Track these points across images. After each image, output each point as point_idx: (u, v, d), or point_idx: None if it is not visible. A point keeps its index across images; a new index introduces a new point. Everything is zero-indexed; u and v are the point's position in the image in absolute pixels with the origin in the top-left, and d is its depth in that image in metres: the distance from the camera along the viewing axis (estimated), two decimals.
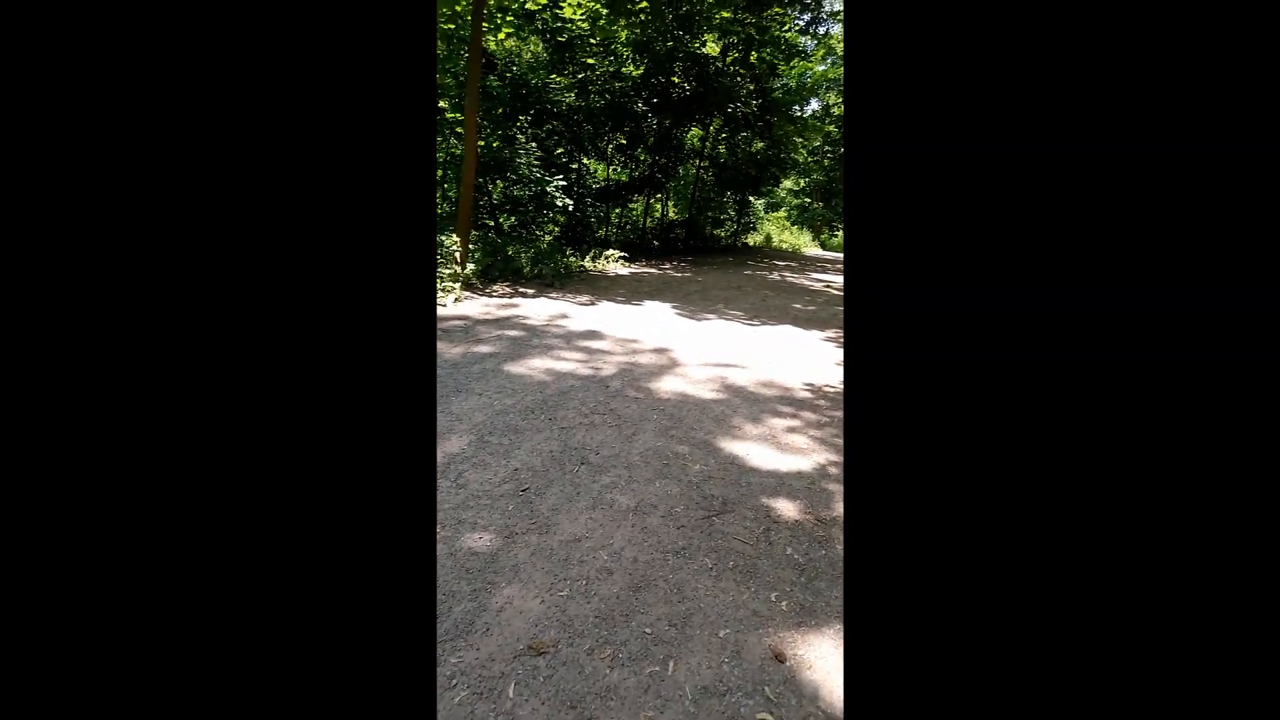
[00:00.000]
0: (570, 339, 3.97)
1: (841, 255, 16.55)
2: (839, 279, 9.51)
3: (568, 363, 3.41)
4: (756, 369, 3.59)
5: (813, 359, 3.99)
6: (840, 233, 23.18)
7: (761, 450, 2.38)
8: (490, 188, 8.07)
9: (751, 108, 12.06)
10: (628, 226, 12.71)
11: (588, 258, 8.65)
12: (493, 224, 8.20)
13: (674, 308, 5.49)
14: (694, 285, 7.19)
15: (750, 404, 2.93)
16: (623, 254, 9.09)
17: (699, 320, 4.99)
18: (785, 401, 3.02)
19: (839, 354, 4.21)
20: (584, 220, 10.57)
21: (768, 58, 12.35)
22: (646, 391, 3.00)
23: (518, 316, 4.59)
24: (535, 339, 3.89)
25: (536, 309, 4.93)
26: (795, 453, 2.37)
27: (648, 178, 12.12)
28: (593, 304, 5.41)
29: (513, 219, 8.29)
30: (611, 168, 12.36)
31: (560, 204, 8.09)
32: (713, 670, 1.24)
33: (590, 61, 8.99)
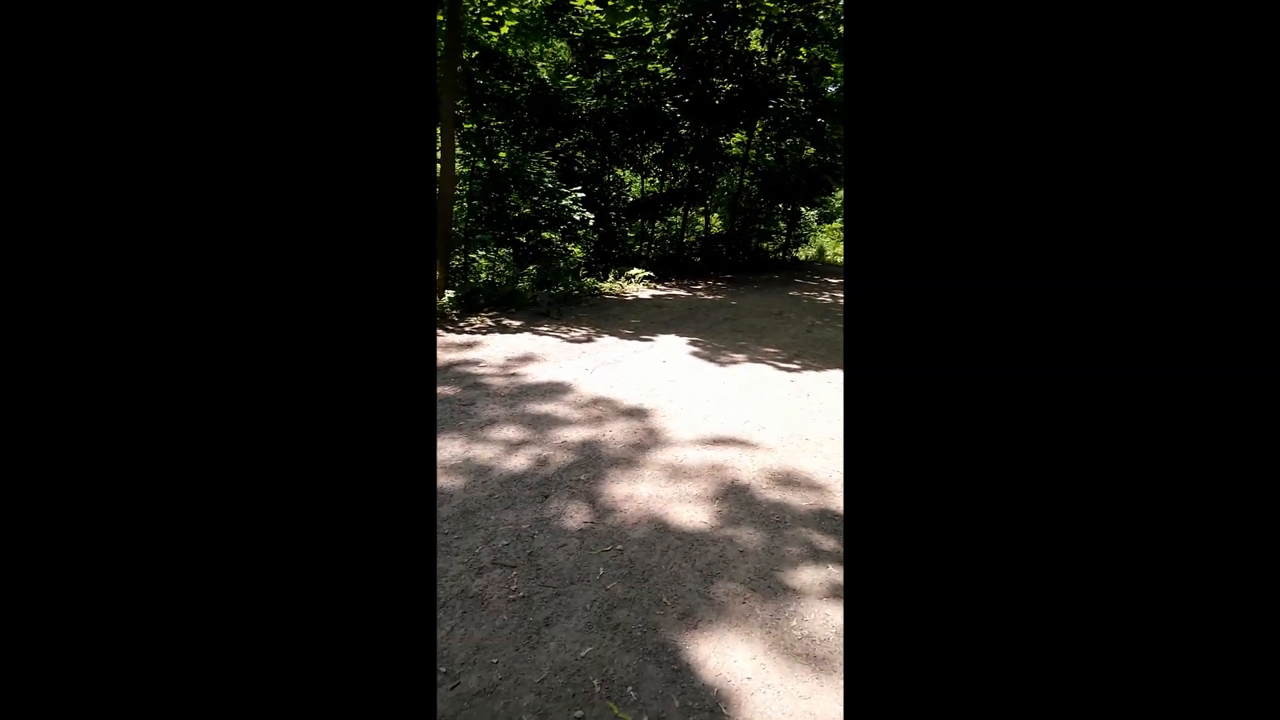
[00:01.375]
0: (520, 399, 2.96)
1: None
2: None
3: (494, 446, 2.38)
4: (780, 448, 2.47)
5: None
6: None
7: (778, 678, 1.26)
8: (515, 202, 7.30)
9: (801, 109, 10.85)
10: (667, 242, 11.75)
11: (610, 277, 7.71)
12: (524, 241, 7.41)
13: (692, 344, 4.42)
14: (725, 311, 6.08)
15: (764, 532, 1.82)
16: (648, 273, 8.08)
17: (720, 363, 3.89)
18: (822, 525, 1.89)
19: None
20: (613, 236, 9.66)
21: (818, 54, 11.15)
22: (602, 505, 1.95)
23: (467, 363, 3.63)
24: (468, 403, 2.88)
25: (502, 350, 3.98)
26: (837, 676, 1.26)
27: (686, 188, 11.13)
28: (587, 340, 4.42)
29: (538, 236, 7.47)
30: (649, 179, 11.48)
31: (579, 218, 7.18)
32: None
33: (609, 58, 8.07)
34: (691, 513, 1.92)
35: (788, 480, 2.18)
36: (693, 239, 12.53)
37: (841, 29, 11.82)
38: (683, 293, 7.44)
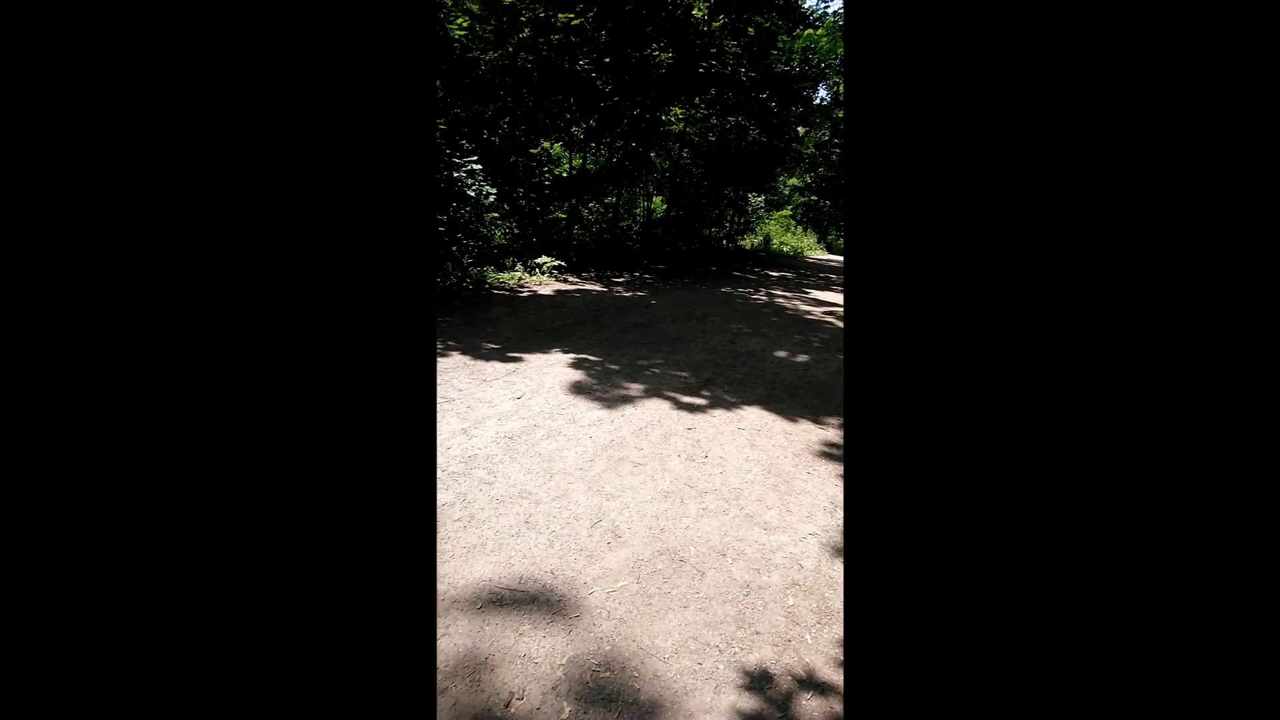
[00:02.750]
0: None
1: None
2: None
3: None
4: (626, 601, 1.47)
5: (798, 544, 1.87)
6: None
7: None
8: None
9: (742, 79, 9.86)
10: (603, 226, 10.61)
11: (517, 267, 6.56)
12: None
13: (577, 366, 3.38)
14: (639, 314, 5.08)
15: None
16: (559, 262, 6.96)
17: (602, 400, 2.88)
18: None
19: (839, 493, 2.10)
20: (533, 217, 8.45)
21: (764, 23, 10.17)
22: None
23: None
24: None
25: None
26: None
27: (618, 166, 10.00)
28: None
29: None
30: (581, 155, 10.30)
31: (475, 193, 5.95)
32: None
33: (508, 1, 6.77)
34: None
35: (611, 699, 1.19)
36: (629, 223, 11.46)
37: None
38: (597, 287, 6.38)
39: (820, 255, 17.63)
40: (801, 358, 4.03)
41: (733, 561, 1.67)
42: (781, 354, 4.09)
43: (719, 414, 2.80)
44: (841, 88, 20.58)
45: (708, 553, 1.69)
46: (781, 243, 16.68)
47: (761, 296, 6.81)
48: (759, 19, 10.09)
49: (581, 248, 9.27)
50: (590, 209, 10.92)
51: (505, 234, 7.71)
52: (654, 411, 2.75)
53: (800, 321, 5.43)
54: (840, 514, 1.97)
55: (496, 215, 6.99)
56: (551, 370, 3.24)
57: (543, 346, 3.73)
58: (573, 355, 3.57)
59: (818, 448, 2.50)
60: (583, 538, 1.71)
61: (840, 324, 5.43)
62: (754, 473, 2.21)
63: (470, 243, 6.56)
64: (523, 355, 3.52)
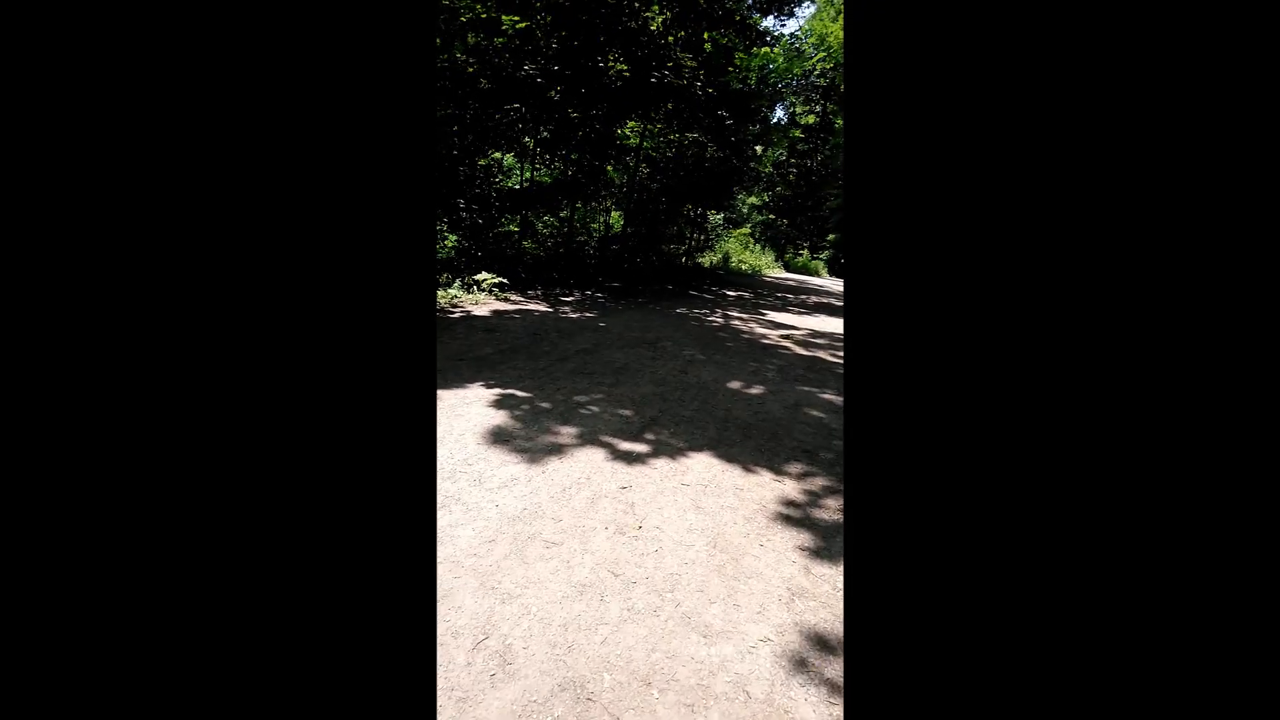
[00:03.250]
0: None
1: (806, 280, 14.10)
2: (804, 322, 7.11)
3: None
4: None
5: (745, 658, 1.46)
6: (805, 252, 21.10)
7: None
8: None
9: (699, 95, 9.68)
10: (557, 241, 10.17)
11: (453, 285, 6.05)
12: None
13: (499, 404, 2.92)
14: (585, 338, 4.66)
15: None
16: (500, 280, 6.48)
17: (522, 451, 2.43)
18: None
19: (809, 580, 1.72)
20: (475, 231, 7.94)
21: (721, 40, 10.05)
22: None
23: None
24: None
25: None
26: None
27: (572, 180, 9.63)
28: None
29: None
30: (543, 168, 9.89)
31: None
32: None
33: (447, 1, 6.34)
34: None
35: None
36: (584, 238, 11.07)
37: (747, 12, 10.84)
38: (542, 307, 5.93)
39: (778, 274, 17.67)
40: (756, 389, 3.68)
41: (660, 694, 1.25)
42: (736, 385, 3.74)
43: (661, 465, 2.39)
44: (798, 108, 20.88)
45: (628, 681, 1.27)
46: (740, 260, 16.61)
47: (717, 318, 6.51)
48: (716, 35, 9.96)
49: (535, 263, 8.81)
50: (545, 222, 10.50)
51: (449, 248, 7.19)
52: (584, 464, 2.32)
53: (756, 347, 5.12)
54: (800, 605, 1.59)
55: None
56: (466, 412, 2.77)
57: (461, 380, 3.25)
58: (497, 391, 3.11)
59: (774, 508, 2.12)
60: (458, 667, 1.26)
61: (797, 349, 5.14)
62: (697, 548, 1.81)
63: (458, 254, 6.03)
64: (440, 390, 3.03)
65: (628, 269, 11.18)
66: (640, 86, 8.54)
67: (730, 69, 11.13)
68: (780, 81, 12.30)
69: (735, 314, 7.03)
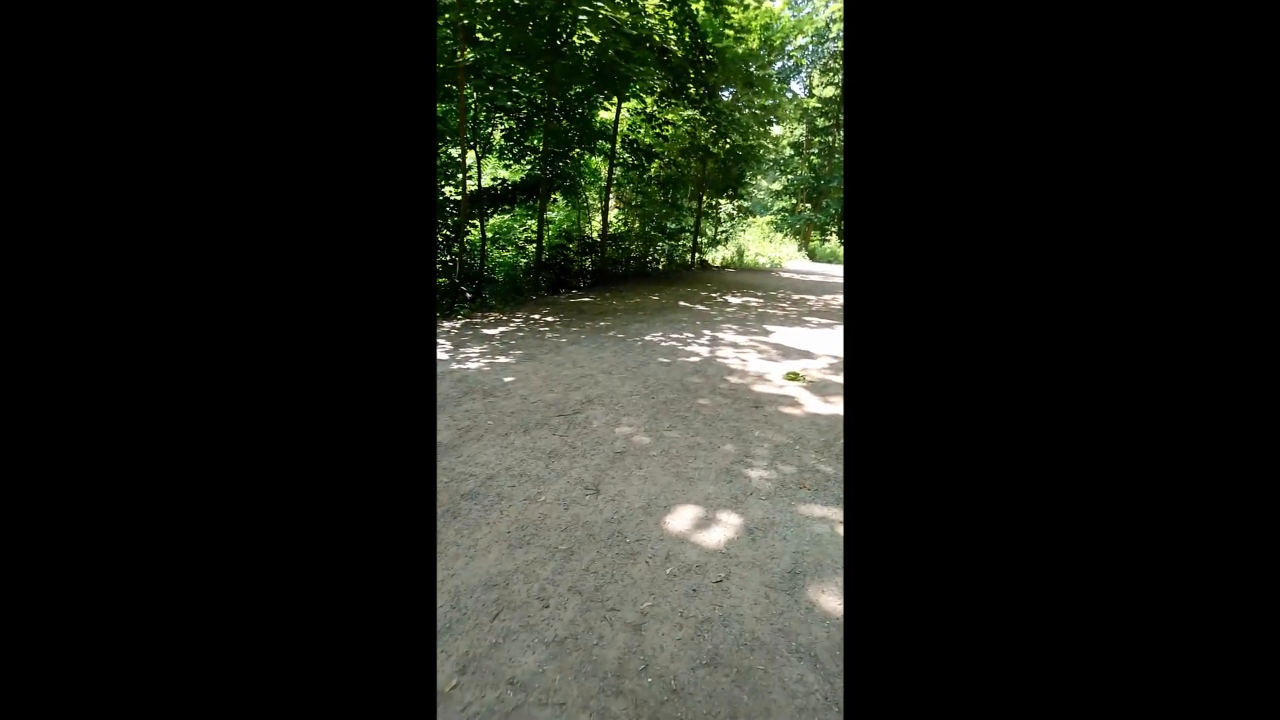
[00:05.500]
0: None
1: (830, 273, 12.16)
2: (822, 343, 5.28)
3: None
4: None
5: None
6: (831, 239, 18.95)
7: None
8: None
9: (685, 63, 7.91)
10: (528, 241, 8.62)
11: None
12: None
13: None
14: (453, 416, 3.05)
15: None
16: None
17: None
18: None
19: None
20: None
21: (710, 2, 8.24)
22: None
23: None
24: None
25: None
26: None
27: (539, 176, 8.03)
28: None
29: None
30: (504, 162, 8.39)
31: None
32: None
33: None
34: None
35: None
36: (559, 240, 9.47)
37: None
38: (444, 349, 4.34)
39: (799, 265, 15.67)
40: (720, 533, 2.00)
41: None
42: (686, 517, 2.07)
43: None
44: (813, 81, 18.69)
45: None
46: (758, 254, 14.74)
47: (701, 346, 4.80)
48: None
49: (478, 275, 7.26)
50: (520, 222, 8.98)
51: None
52: None
53: (744, 403, 3.39)
54: None
55: None
56: None
57: None
58: None
59: None
60: None
61: (806, 405, 3.39)
62: None
63: None
64: None
65: (611, 273, 9.57)
66: (614, 59, 6.81)
67: (728, 31, 9.34)
68: (788, 42, 10.40)
69: (729, 335, 5.31)
